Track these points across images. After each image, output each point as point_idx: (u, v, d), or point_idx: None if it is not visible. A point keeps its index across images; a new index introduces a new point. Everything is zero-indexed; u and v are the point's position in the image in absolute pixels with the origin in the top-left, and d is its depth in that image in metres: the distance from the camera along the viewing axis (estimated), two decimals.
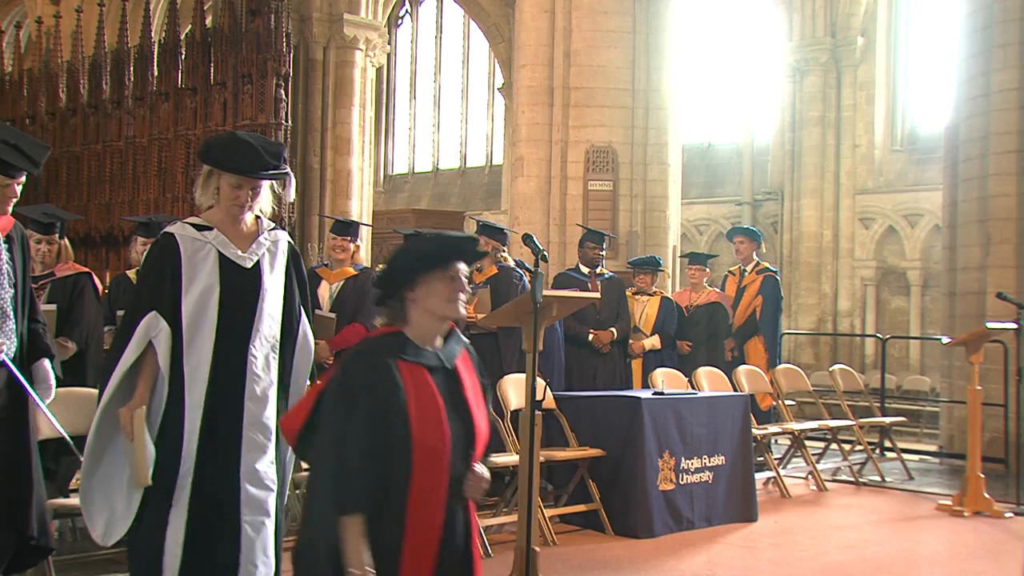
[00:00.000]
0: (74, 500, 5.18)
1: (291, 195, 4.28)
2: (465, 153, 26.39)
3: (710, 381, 8.58)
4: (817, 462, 9.32)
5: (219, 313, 3.95)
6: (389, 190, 27.09)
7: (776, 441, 10.09)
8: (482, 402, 3.22)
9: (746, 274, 9.95)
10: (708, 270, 10.14)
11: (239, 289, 3.99)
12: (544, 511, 6.55)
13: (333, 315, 7.10)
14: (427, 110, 27.15)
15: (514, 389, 6.97)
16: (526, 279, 8.07)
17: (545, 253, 4.97)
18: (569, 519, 7.04)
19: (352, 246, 7.52)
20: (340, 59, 18.75)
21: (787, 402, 9.60)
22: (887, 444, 10.63)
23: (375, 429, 2.94)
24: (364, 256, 10.69)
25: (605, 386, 8.52)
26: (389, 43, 21.94)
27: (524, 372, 7.57)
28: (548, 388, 7.14)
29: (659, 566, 6.13)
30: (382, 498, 2.96)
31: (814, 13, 19.00)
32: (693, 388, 8.35)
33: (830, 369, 11.26)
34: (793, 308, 18.71)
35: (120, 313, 6.51)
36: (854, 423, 9.70)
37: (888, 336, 15.19)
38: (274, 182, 4.09)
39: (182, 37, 12.41)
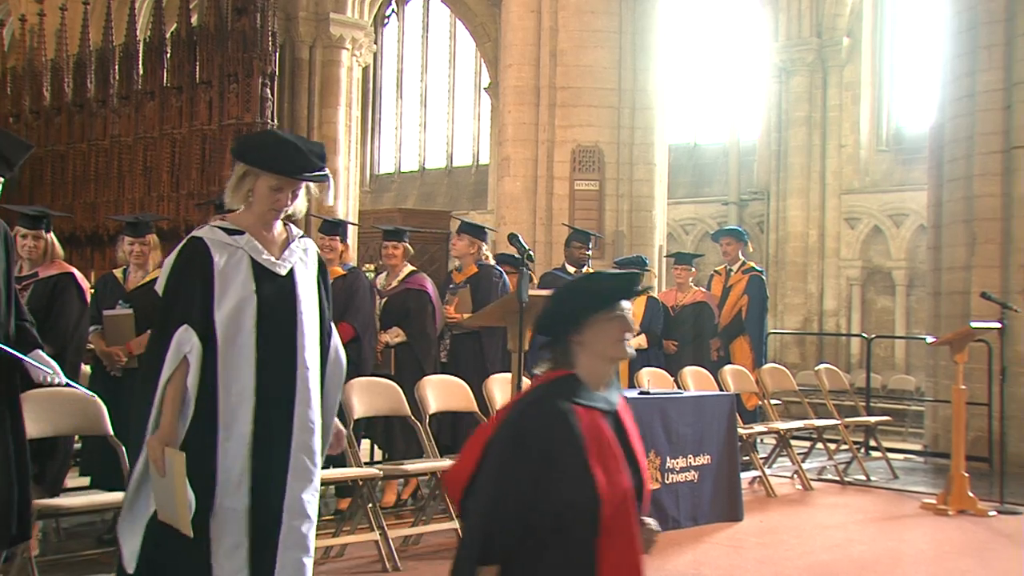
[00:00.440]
0: (60, 500, 5.17)
1: (330, 198, 4.00)
2: (451, 153, 26.37)
3: (696, 381, 8.60)
4: (803, 461, 9.35)
5: (257, 327, 3.58)
6: (375, 190, 27.05)
7: (762, 440, 10.10)
8: (643, 448, 3.02)
9: (732, 274, 9.97)
10: (694, 270, 10.16)
11: (275, 299, 3.62)
12: None
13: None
14: (413, 109, 27.12)
15: (500, 389, 6.96)
16: (507, 278, 8.07)
17: (531, 253, 4.97)
18: None
19: (340, 246, 7.49)
20: (326, 58, 18.72)
21: (773, 401, 9.62)
22: (872, 443, 10.66)
23: (545, 481, 2.71)
24: (352, 256, 10.67)
25: None
26: (375, 42, 21.90)
27: (509, 372, 7.60)
28: None
29: (645, 565, 6.12)
30: (562, 564, 2.74)
31: (800, 13, 19.03)
32: (679, 387, 8.37)
33: (816, 368, 11.29)
34: (779, 308, 18.75)
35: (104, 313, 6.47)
36: (839, 422, 9.73)
37: (873, 336, 15.23)
38: (311, 184, 3.74)
39: (168, 36, 12.37)
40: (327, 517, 7.07)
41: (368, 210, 21.77)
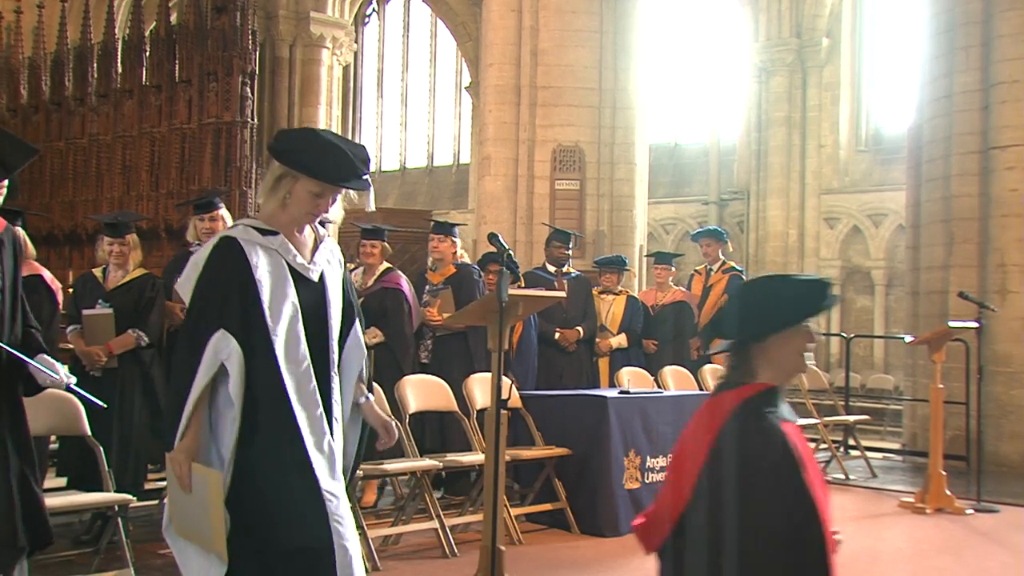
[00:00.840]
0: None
1: (371, 203, 3.68)
2: (432, 152, 26.35)
3: (676, 380, 8.61)
4: None
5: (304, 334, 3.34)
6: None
7: None
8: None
9: (712, 273, 9.99)
10: (674, 269, 10.17)
11: (310, 306, 3.39)
12: (510, 510, 6.55)
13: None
14: (394, 109, 27.08)
15: (480, 388, 6.96)
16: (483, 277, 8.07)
17: (511, 252, 4.97)
18: (535, 518, 7.05)
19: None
20: (307, 57, 18.70)
21: None
22: (851, 442, 10.71)
23: (788, 511, 2.54)
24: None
25: (571, 385, 8.53)
26: (356, 41, 21.88)
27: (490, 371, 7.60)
28: (514, 387, 7.14)
29: (625, 564, 6.14)
30: None
31: (780, 14, 19.12)
32: (659, 387, 8.38)
33: None
34: None
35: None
36: (819, 421, 9.77)
37: (853, 335, 15.32)
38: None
39: (147, 34, 12.29)
40: None
41: (348, 209, 21.69)
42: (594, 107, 12.76)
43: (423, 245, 18.59)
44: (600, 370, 9.17)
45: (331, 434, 3.36)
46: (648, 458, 7.13)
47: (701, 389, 8.65)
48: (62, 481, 6.34)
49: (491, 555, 4.71)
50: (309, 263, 3.42)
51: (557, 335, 8.75)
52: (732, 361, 2.74)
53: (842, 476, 9.54)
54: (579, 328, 8.86)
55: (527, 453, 6.96)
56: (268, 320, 3.26)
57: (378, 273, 7.65)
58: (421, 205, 23.99)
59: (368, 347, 7.51)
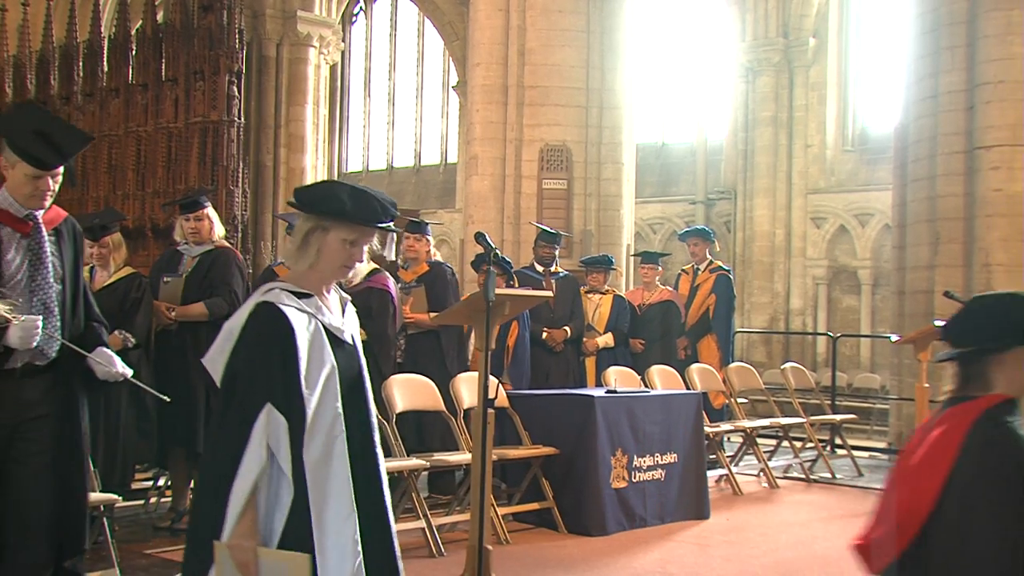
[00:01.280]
0: None
1: (392, 252, 3.42)
2: (420, 151, 26.32)
3: (663, 379, 8.63)
4: (769, 459, 9.40)
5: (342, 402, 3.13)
6: None
7: (728, 439, 10.16)
8: None
9: (699, 273, 10.01)
10: (660, 269, 10.19)
11: (347, 370, 3.18)
12: (497, 509, 6.55)
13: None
14: (381, 108, 27.04)
15: (467, 387, 6.96)
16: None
17: (498, 251, 4.97)
18: (522, 517, 7.05)
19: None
20: (293, 56, 18.65)
21: (739, 400, 9.68)
22: (838, 441, 10.76)
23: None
24: None
25: (558, 384, 8.54)
26: (343, 40, 21.84)
27: (468, 370, 7.60)
28: (501, 387, 7.14)
29: (612, 564, 6.15)
30: None
31: (767, 14, 19.15)
32: (646, 386, 8.39)
33: (782, 367, 11.37)
34: (746, 307, 18.85)
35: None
36: (805, 421, 9.80)
37: (839, 334, 15.36)
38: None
39: (133, 32, 12.25)
40: None
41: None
42: (581, 107, 12.76)
43: None
44: (587, 369, 9.18)
45: (385, 508, 3.17)
46: (635, 457, 7.14)
47: (688, 388, 8.67)
48: None
49: (478, 554, 4.71)
50: (341, 324, 3.22)
51: (544, 335, 8.75)
52: (965, 371, 2.66)
53: (829, 475, 9.57)
54: (566, 328, 8.86)
55: (514, 452, 6.96)
56: (304, 388, 3.03)
57: (364, 273, 7.63)
58: (408, 204, 23.95)
59: None
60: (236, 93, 10.78)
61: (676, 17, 21.78)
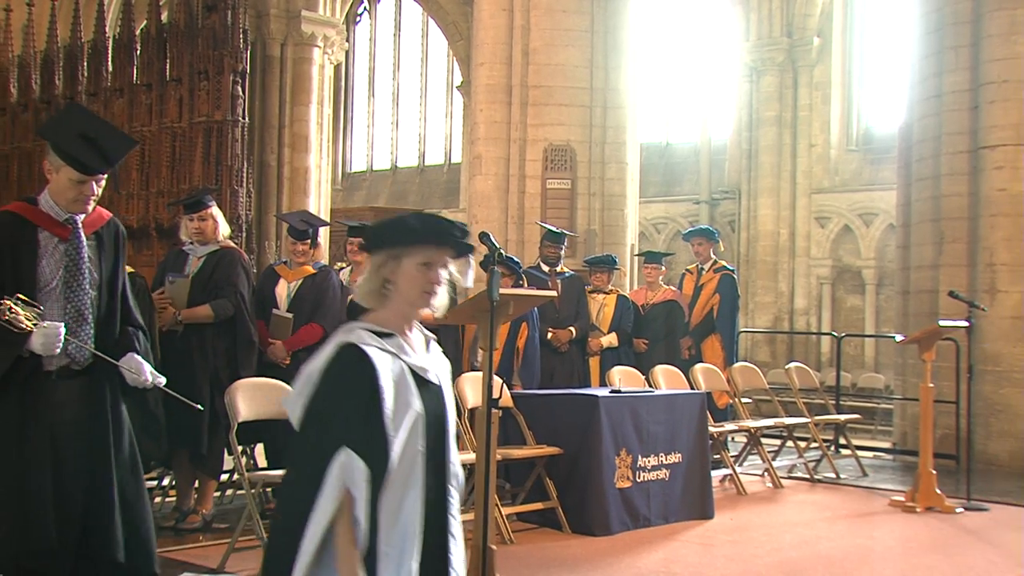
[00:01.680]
0: None
1: (469, 280, 3.21)
2: (423, 151, 26.34)
3: (667, 379, 8.62)
4: (773, 459, 9.39)
5: (424, 447, 2.99)
6: (347, 188, 26.98)
7: (732, 439, 10.15)
8: None
9: (703, 272, 10.01)
10: (664, 268, 10.19)
11: (432, 413, 3.02)
12: (501, 509, 6.55)
13: (290, 315, 7.04)
14: (385, 108, 27.07)
15: (471, 387, 6.96)
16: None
17: (502, 251, 4.97)
18: (526, 517, 7.05)
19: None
20: (298, 56, 18.67)
21: (743, 400, 9.67)
22: (842, 441, 10.75)
23: None
24: (323, 254, 10.63)
25: (563, 384, 8.54)
26: (347, 40, 21.86)
27: (463, 370, 7.60)
28: (505, 387, 7.13)
29: (616, 564, 6.14)
30: None
31: (771, 13, 19.14)
32: (650, 386, 8.39)
33: (786, 367, 11.35)
34: (750, 306, 18.85)
35: None
36: (809, 420, 9.78)
37: (843, 334, 15.34)
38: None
39: (137, 32, 12.27)
40: None
41: (340, 208, 21.72)
42: (585, 106, 12.76)
43: None
44: (591, 369, 9.18)
45: (450, 555, 3.05)
46: (639, 457, 7.14)
47: (692, 388, 8.66)
48: None
49: (482, 554, 4.71)
50: (425, 364, 3.05)
51: (550, 335, 8.75)
52: None
53: (833, 475, 9.55)
54: (571, 328, 8.86)
55: (518, 452, 6.96)
56: (389, 431, 2.88)
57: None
58: (412, 204, 23.98)
59: None
60: (240, 93, 10.79)
61: (680, 16, 21.78)
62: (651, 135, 21.05)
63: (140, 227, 10.66)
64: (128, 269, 6.55)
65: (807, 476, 9.47)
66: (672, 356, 9.53)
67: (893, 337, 10.53)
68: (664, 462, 7.32)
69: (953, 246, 10.44)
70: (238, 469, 6.23)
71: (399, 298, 3.00)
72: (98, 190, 3.97)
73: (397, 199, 25.18)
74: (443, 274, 3.02)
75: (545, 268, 9.04)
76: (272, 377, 6.37)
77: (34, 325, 3.81)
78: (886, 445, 11.84)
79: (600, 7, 12.86)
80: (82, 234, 4.01)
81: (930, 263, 10.63)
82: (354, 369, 2.89)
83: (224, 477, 7.31)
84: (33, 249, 3.94)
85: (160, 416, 5.74)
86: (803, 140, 19.10)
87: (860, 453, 10.37)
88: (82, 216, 4.01)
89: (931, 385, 8.21)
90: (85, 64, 12.64)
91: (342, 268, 7.86)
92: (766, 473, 9.17)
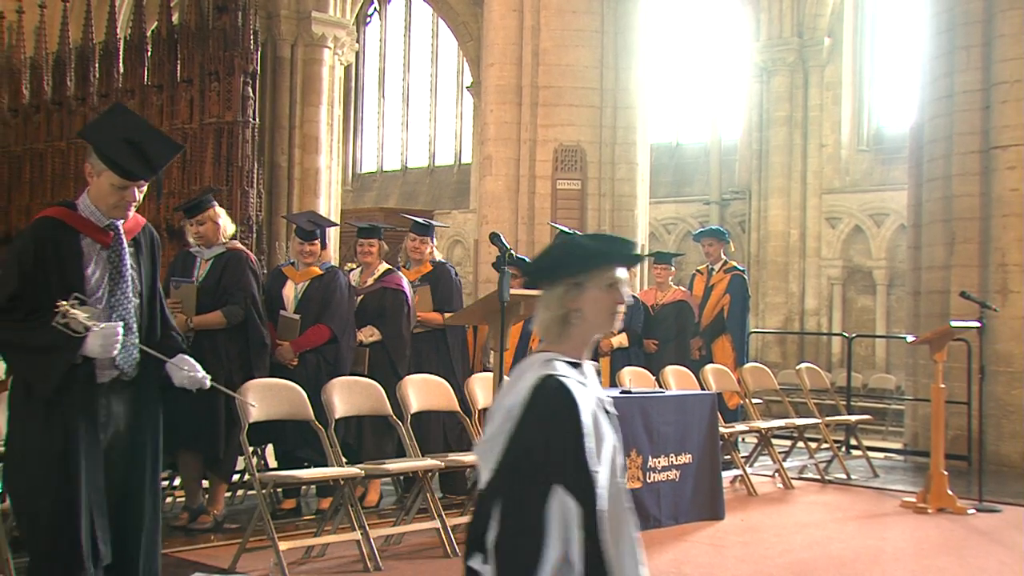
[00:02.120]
0: None
1: (627, 295, 3.15)
2: (434, 152, 26.36)
3: (677, 380, 8.61)
4: (783, 460, 9.37)
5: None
6: (357, 189, 27.02)
7: (743, 439, 10.13)
8: None
9: (714, 273, 10.00)
10: (673, 269, 10.18)
11: (617, 445, 2.96)
12: None
13: (297, 317, 7.04)
14: (396, 108, 27.09)
15: (481, 387, 6.96)
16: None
17: (512, 252, 4.98)
18: None
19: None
20: (308, 57, 18.69)
21: (754, 400, 9.65)
22: (853, 442, 10.72)
23: None
24: (331, 255, 10.65)
25: None
26: (357, 41, 21.88)
27: (472, 371, 7.60)
28: None
29: None
30: None
31: (781, 13, 19.12)
32: (660, 387, 8.38)
33: (797, 368, 11.33)
34: (760, 307, 18.82)
35: None
36: (820, 421, 9.76)
37: (854, 335, 15.30)
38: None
39: (148, 34, 12.32)
40: (308, 516, 7.07)
41: (350, 209, 21.75)
42: (595, 107, 12.76)
43: None
44: (601, 370, 9.18)
45: None
46: (650, 458, 7.13)
47: (703, 389, 8.65)
48: None
49: None
50: (605, 395, 2.97)
51: None
52: None
53: (844, 476, 9.53)
54: None
55: None
56: (593, 466, 2.76)
57: (378, 273, 7.64)
58: (422, 205, 24.00)
59: (364, 345, 7.48)
60: (251, 94, 10.83)
61: (690, 17, 21.76)
62: (661, 135, 21.03)
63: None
64: None
65: (818, 477, 9.45)
66: (682, 357, 9.53)
67: (904, 338, 10.51)
68: (674, 463, 7.31)
69: (964, 246, 10.41)
70: (249, 470, 6.24)
71: (584, 325, 2.90)
72: (139, 196, 3.87)
73: (407, 200, 25.21)
74: (627, 291, 2.95)
75: None
76: (280, 378, 6.38)
77: (92, 324, 3.70)
78: (897, 446, 11.80)
79: (610, 8, 12.85)
80: (124, 240, 3.91)
81: (941, 264, 10.59)
82: (558, 403, 2.77)
83: (235, 478, 7.33)
84: (78, 256, 3.83)
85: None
86: (814, 140, 19.07)
87: (871, 454, 10.34)
88: (122, 222, 3.91)
89: (943, 386, 8.18)
90: (96, 65, 12.69)
91: (352, 269, 7.86)
92: (777, 474, 9.15)
